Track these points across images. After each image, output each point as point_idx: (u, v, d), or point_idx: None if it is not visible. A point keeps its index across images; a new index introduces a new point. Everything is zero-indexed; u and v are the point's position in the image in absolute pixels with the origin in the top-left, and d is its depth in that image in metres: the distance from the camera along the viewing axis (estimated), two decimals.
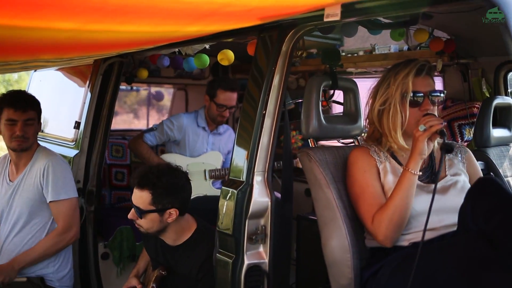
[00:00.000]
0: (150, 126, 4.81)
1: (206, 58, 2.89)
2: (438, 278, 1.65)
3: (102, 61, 3.27)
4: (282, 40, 2.09)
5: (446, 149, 1.82)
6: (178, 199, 2.41)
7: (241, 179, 2.09)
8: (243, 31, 2.26)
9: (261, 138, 2.07)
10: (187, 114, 3.87)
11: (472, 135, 3.32)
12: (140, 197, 2.37)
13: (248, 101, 2.16)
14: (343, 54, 3.98)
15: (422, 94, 2.00)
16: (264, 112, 2.08)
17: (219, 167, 3.75)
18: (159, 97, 5.88)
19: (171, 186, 2.39)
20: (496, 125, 2.90)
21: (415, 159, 1.90)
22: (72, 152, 3.32)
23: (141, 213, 2.38)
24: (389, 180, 2.01)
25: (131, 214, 2.43)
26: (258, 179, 2.07)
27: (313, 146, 2.26)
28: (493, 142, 2.83)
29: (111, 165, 4.11)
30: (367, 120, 2.21)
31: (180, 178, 2.44)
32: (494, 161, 2.78)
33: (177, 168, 2.49)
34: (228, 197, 2.10)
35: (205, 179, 3.67)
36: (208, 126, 3.79)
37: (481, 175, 2.24)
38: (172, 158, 3.65)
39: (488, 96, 3.40)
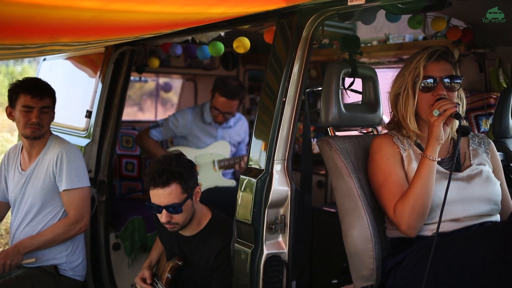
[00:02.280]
0: (159, 117, 4.78)
1: (221, 46, 2.84)
2: (468, 267, 1.61)
3: (113, 50, 3.22)
4: (302, 26, 2.04)
5: (462, 131, 1.79)
6: (195, 175, 2.41)
7: (261, 168, 2.04)
8: (262, 17, 2.22)
9: (281, 126, 2.03)
10: (193, 109, 3.81)
11: (488, 126, 3.27)
12: (170, 193, 2.29)
13: (267, 88, 2.12)
14: None
15: (432, 80, 1.96)
16: (284, 99, 2.03)
17: (228, 156, 3.71)
18: (167, 88, 5.84)
19: (186, 166, 2.36)
20: None
21: (432, 144, 1.87)
22: (83, 142, 3.28)
23: (180, 206, 2.30)
24: (413, 168, 1.97)
25: (165, 217, 2.32)
26: (277, 167, 2.02)
27: (333, 134, 2.21)
28: None
29: (121, 156, 4.08)
30: (389, 108, 2.18)
31: (184, 157, 2.43)
32: None
33: (174, 153, 2.45)
34: (247, 185, 2.06)
35: (215, 169, 3.64)
36: (215, 120, 3.74)
37: (501, 167, 2.20)
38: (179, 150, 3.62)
39: (506, 86, 3.35)
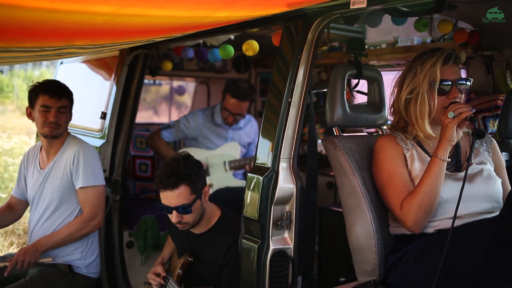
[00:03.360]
0: (172, 119, 4.87)
1: (231, 49, 2.92)
2: (464, 262, 1.66)
3: (128, 53, 3.33)
4: (307, 29, 2.11)
5: (477, 134, 1.84)
6: (203, 175, 2.47)
7: (267, 166, 2.12)
8: (269, 20, 2.30)
9: (287, 126, 2.10)
10: (204, 111, 3.89)
11: (496, 128, 3.30)
12: (179, 195, 2.35)
13: (274, 89, 2.19)
14: (366, 47, 3.98)
15: (450, 83, 2.01)
16: (289, 100, 2.11)
17: (238, 157, 3.79)
18: (181, 91, 5.95)
19: (193, 168, 2.42)
20: None
21: (444, 145, 1.92)
22: (98, 142, 3.38)
23: (189, 207, 2.36)
24: (416, 167, 2.03)
25: (175, 218, 2.39)
26: (283, 165, 2.09)
27: (338, 134, 2.28)
28: None
29: (135, 157, 4.18)
30: (392, 110, 2.23)
31: (192, 158, 2.48)
32: None
33: (182, 154, 2.51)
34: (254, 183, 2.14)
35: (226, 170, 3.71)
36: (225, 122, 3.82)
37: (504, 165, 2.24)
38: (190, 152, 3.70)
39: None
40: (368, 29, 4.15)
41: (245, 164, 3.69)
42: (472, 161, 2.12)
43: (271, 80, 2.22)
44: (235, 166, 3.71)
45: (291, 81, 2.11)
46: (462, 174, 2.04)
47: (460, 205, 1.96)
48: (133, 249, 3.61)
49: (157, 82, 5.54)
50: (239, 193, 3.52)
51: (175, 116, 6.18)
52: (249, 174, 2.18)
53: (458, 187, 1.98)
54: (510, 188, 2.18)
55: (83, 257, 2.87)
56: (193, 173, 2.38)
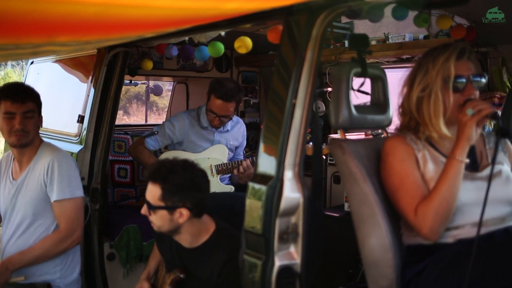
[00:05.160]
0: (150, 121, 4.63)
1: (221, 46, 2.73)
2: (502, 279, 1.51)
3: (106, 51, 3.10)
4: (312, 24, 1.93)
5: (502, 133, 1.69)
6: (190, 198, 2.21)
7: (270, 174, 1.93)
8: (268, 15, 2.11)
9: (292, 129, 1.91)
10: (188, 113, 3.64)
11: (492, 126, 3.21)
12: (151, 191, 2.23)
13: (275, 90, 2.00)
14: None
15: (464, 79, 1.87)
16: (294, 101, 1.92)
17: (225, 161, 3.58)
18: (157, 91, 5.72)
19: (183, 182, 2.21)
20: None
21: (462, 145, 1.78)
22: (75, 148, 3.15)
23: (150, 208, 2.23)
24: (430, 169, 1.88)
25: (144, 209, 2.28)
26: (288, 173, 1.91)
27: (344, 138, 2.11)
28: None
29: (113, 161, 3.94)
30: (400, 110, 2.08)
31: (196, 176, 2.25)
32: None
33: (193, 164, 2.30)
34: (256, 193, 1.94)
35: (212, 175, 3.51)
36: (211, 124, 3.61)
37: None
38: (175, 155, 3.48)
39: (509, 85, 3.29)
40: (356, 25, 4.00)
41: (232, 168, 3.49)
42: (489, 161, 1.99)
43: (272, 80, 2.03)
44: (222, 170, 3.50)
45: (295, 81, 1.93)
46: (481, 174, 1.91)
47: (479, 210, 1.82)
48: (115, 262, 3.38)
49: (133, 82, 5.29)
50: (226, 198, 3.36)
51: (152, 118, 5.97)
52: (250, 183, 1.99)
53: (477, 189, 1.85)
54: None
55: (63, 275, 2.63)
56: (173, 184, 2.18)
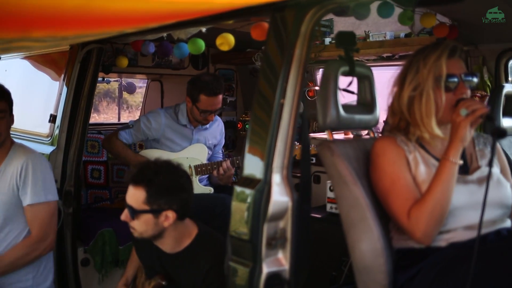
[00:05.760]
0: (123, 119, 4.50)
1: (202, 43, 2.63)
2: (502, 285, 1.47)
3: (79, 48, 2.96)
4: (301, 20, 1.85)
5: (499, 134, 1.65)
6: (176, 200, 2.15)
7: (258, 177, 1.85)
8: (254, 11, 2.03)
9: (280, 130, 1.83)
10: (166, 110, 3.53)
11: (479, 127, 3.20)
12: (134, 195, 2.12)
13: (262, 90, 1.92)
14: (333, 42, 3.79)
15: (456, 78, 1.83)
16: (282, 101, 1.84)
17: (204, 161, 3.48)
18: (131, 88, 5.57)
19: (169, 184, 2.14)
20: (504, 114, 2.78)
21: (456, 146, 1.74)
22: (47, 149, 3.00)
23: (134, 213, 2.12)
24: (422, 171, 1.83)
25: (124, 215, 2.17)
26: (277, 176, 1.83)
27: (332, 138, 2.05)
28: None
29: (86, 162, 3.79)
30: (390, 110, 2.03)
31: (181, 177, 2.20)
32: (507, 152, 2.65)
33: (177, 166, 2.23)
34: (242, 197, 1.86)
35: (192, 175, 3.40)
36: (191, 123, 3.49)
37: (508, 167, 2.09)
38: (152, 154, 3.36)
39: (489, 85, 3.29)
40: (335, 23, 3.95)
41: (212, 169, 3.39)
42: (479, 163, 1.96)
43: (259, 78, 1.95)
44: (201, 171, 3.39)
45: (284, 80, 1.85)
46: (472, 177, 1.87)
47: (471, 213, 1.79)
48: (89, 267, 3.24)
49: (105, 79, 5.13)
50: (205, 200, 3.26)
51: (124, 116, 5.82)
52: (236, 187, 1.90)
53: (469, 192, 1.82)
54: None
55: (36, 283, 2.49)
56: (159, 186, 2.10)
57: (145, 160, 2.24)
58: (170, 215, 2.14)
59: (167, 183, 2.14)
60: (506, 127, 2.71)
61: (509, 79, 3.31)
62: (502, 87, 2.78)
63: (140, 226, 2.15)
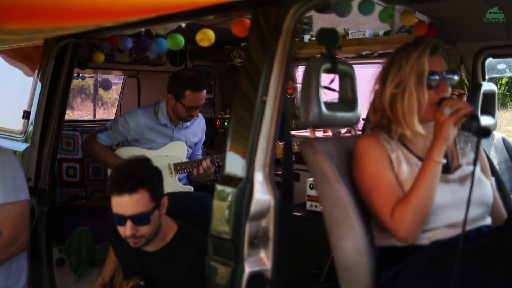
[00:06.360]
0: (98, 116, 4.41)
1: (181, 38, 2.58)
2: (486, 282, 1.47)
3: (54, 43, 2.87)
4: (283, 16, 1.82)
5: (483, 133, 1.65)
6: (163, 184, 2.18)
7: (239, 176, 1.82)
8: (235, 6, 1.99)
9: (262, 127, 1.80)
10: (145, 110, 3.43)
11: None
12: (138, 201, 2.03)
13: (244, 87, 1.89)
14: (313, 39, 3.79)
15: (438, 76, 1.83)
16: (265, 98, 1.81)
17: (184, 159, 3.42)
18: (107, 85, 5.47)
19: (154, 172, 2.15)
20: (482, 112, 2.80)
21: (439, 145, 1.73)
22: (21, 146, 2.91)
23: (147, 217, 2.05)
24: (404, 170, 1.83)
25: (130, 230, 2.05)
26: (259, 174, 1.80)
27: (314, 136, 2.03)
28: None
29: (61, 160, 3.71)
30: (371, 108, 2.02)
31: (152, 163, 2.20)
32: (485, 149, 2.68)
33: (140, 156, 2.21)
34: (224, 196, 1.83)
35: (171, 174, 3.34)
36: (172, 122, 3.42)
37: (488, 165, 2.11)
38: (130, 152, 3.28)
39: (467, 83, 3.32)
40: (315, 20, 3.94)
41: (192, 168, 3.33)
42: (460, 162, 1.96)
43: (240, 75, 1.91)
44: (181, 169, 3.34)
45: (266, 77, 1.82)
46: (453, 176, 1.88)
47: (454, 212, 1.79)
48: (65, 267, 3.17)
49: (80, 75, 5.02)
50: (184, 199, 3.21)
51: (99, 112, 5.72)
52: (217, 186, 1.86)
53: (451, 191, 1.82)
54: (495, 190, 2.05)
55: (8, 285, 2.41)
56: (155, 178, 2.09)
57: (118, 166, 2.17)
58: (165, 200, 2.19)
59: (152, 171, 2.15)
60: (485, 124, 2.74)
61: (486, 77, 3.35)
62: (480, 85, 2.80)
63: (151, 228, 2.10)
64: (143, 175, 2.05)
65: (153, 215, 2.07)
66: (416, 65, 1.83)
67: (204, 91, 3.30)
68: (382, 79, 1.93)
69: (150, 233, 2.10)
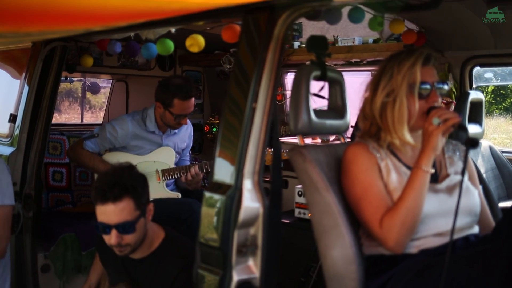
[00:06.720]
0: (86, 120, 4.37)
1: (171, 44, 2.57)
2: None
3: (42, 46, 2.84)
4: (274, 23, 1.82)
5: (471, 143, 1.65)
6: (148, 191, 2.17)
7: (228, 183, 1.80)
8: (225, 12, 1.98)
9: (251, 134, 1.79)
10: (132, 117, 3.38)
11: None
12: (122, 209, 2.02)
13: (234, 94, 1.87)
14: (303, 46, 3.80)
15: (429, 86, 1.84)
16: (254, 105, 1.80)
17: (172, 165, 3.40)
18: (95, 89, 5.43)
19: (139, 180, 2.13)
20: (469, 121, 2.82)
21: (428, 155, 1.74)
22: (6, 150, 2.87)
23: (132, 226, 2.04)
24: (393, 179, 1.83)
25: (115, 238, 2.03)
26: (248, 182, 1.79)
27: (303, 144, 2.02)
28: None
29: (47, 164, 3.67)
30: (361, 115, 2.03)
31: (137, 170, 2.20)
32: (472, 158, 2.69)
33: (124, 164, 2.20)
34: (212, 203, 1.81)
35: (158, 180, 3.31)
36: (160, 129, 3.39)
37: (476, 174, 2.12)
38: (117, 158, 3.25)
39: (454, 91, 3.35)
40: (304, 27, 3.95)
41: (180, 174, 3.30)
42: (448, 171, 1.97)
43: (230, 82, 1.90)
44: (169, 176, 3.30)
45: (256, 83, 1.81)
46: (441, 186, 1.88)
47: (442, 221, 1.80)
48: (50, 273, 3.13)
49: (68, 78, 4.98)
50: (171, 205, 3.18)
51: (87, 116, 5.67)
52: (206, 193, 1.85)
53: (439, 201, 1.83)
54: (483, 198, 2.06)
55: None
56: (139, 186, 2.07)
57: (102, 174, 2.15)
58: (151, 207, 2.18)
59: (137, 178, 2.13)
60: (472, 133, 2.76)
61: (473, 86, 3.38)
62: (468, 94, 2.83)
63: (136, 236, 2.08)
64: (127, 183, 2.03)
65: (138, 223, 2.05)
66: (408, 74, 1.83)
67: (193, 99, 3.26)
68: (373, 86, 1.93)
69: (135, 241, 2.07)
